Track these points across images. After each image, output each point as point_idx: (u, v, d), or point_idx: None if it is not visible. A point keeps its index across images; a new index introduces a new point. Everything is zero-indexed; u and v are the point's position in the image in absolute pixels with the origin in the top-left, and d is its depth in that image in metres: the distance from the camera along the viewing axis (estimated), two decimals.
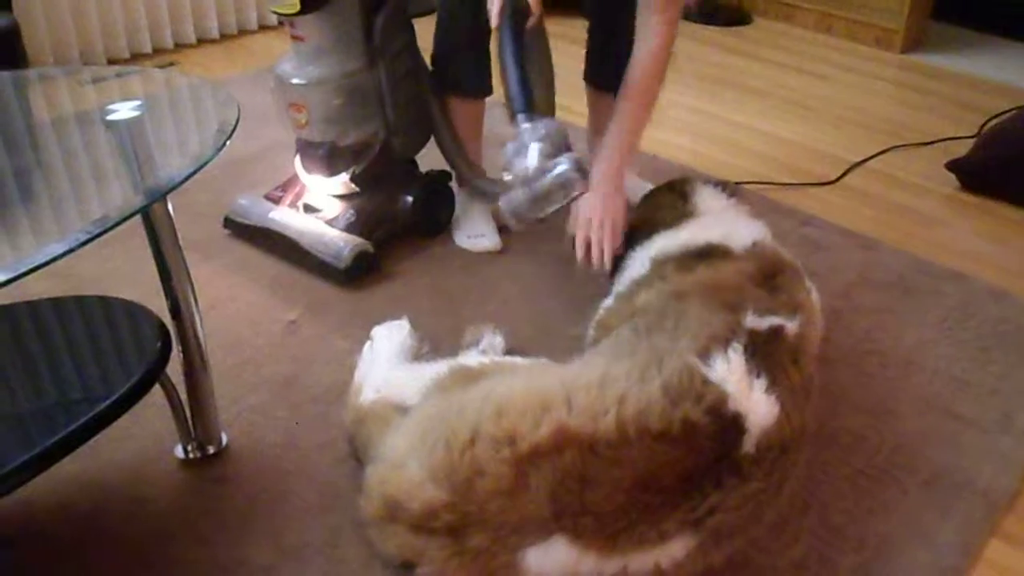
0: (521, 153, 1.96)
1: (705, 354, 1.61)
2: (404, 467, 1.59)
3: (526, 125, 1.99)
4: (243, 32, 4.47)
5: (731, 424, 1.54)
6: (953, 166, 3.29)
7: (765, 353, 1.64)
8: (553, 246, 2.67)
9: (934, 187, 3.24)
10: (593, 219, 2.23)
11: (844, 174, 3.27)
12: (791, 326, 1.73)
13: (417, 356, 2.13)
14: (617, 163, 2.28)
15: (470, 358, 1.92)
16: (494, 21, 2.20)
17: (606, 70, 2.61)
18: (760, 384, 1.58)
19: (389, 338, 2.14)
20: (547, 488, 1.47)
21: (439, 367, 1.86)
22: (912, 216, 3.03)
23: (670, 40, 2.28)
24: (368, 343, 2.15)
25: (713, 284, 1.84)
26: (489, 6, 2.23)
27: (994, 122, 3.68)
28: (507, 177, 1.98)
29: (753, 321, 1.70)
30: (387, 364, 2.05)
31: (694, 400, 1.54)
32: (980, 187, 3.23)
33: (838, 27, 4.74)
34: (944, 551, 1.81)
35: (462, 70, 2.60)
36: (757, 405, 1.56)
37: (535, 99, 2.20)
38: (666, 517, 1.50)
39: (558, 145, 1.97)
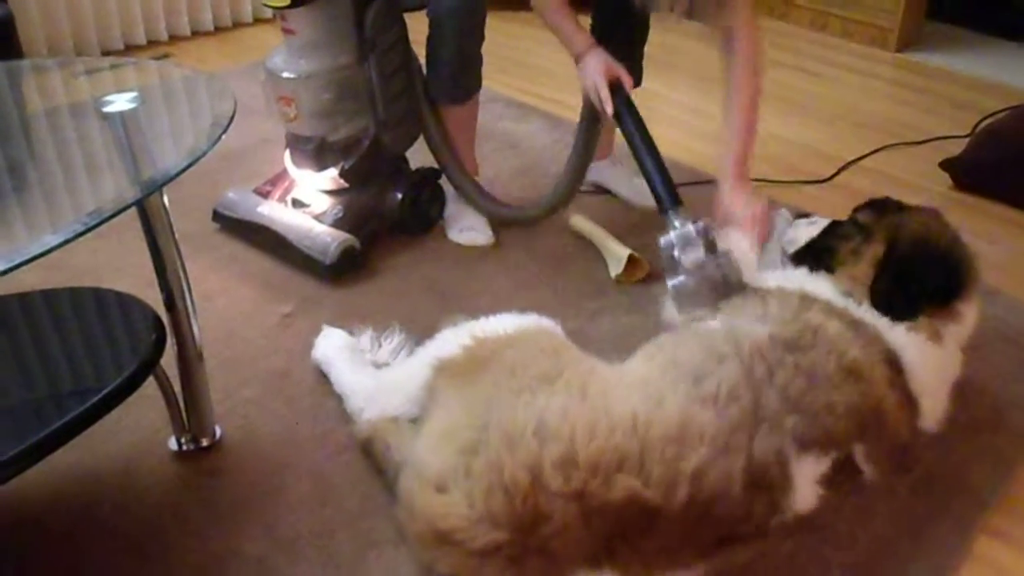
0: (691, 246, 2.08)
1: (809, 448, 1.68)
2: (448, 493, 1.56)
3: (695, 225, 2.11)
4: (238, 25, 4.48)
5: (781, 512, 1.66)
6: (947, 165, 3.30)
7: None
8: (544, 240, 2.68)
9: (927, 186, 3.25)
10: (755, 212, 2.25)
11: (838, 172, 3.30)
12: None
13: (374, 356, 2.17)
14: (741, 168, 2.33)
15: (444, 347, 1.90)
16: (609, 109, 2.33)
17: None
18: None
19: (335, 350, 2.16)
20: (607, 530, 1.52)
21: (415, 370, 1.90)
22: None
23: (757, 37, 2.36)
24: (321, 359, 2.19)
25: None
26: (593, 93, 2.37)
27: (988, 122, 3.69)
28: (676, 278, 2.09)
29: None
30: (353, 378, 2.06)
31: (768, 491, 1.62)
32: (973, 186, 3.25)
33: (833, 25, 4.76)
34: (936, 548, 1.83)
35: (470, 77, 2.65)
36: (805, 498, 1.70)
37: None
38: (699, 560, 1.62)
39: (713, 239, 2.10)
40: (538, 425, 1.56)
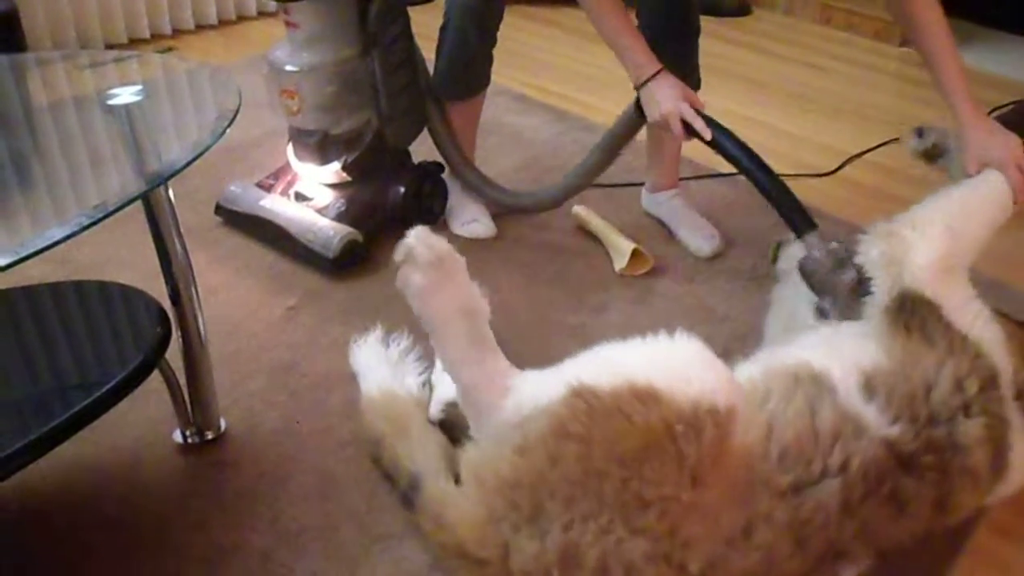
0: (843, 268, 1.99)
1: None
2: (490, 528, 1.51)
3: (839, 244, 2.04)
4: (242, 18, 4.48)
5: None
6: None
7: None
8: (548, 234, 2.68)
9: (932, 180, 3.23)
10: (1016, 153, 2.06)
11: (842, 166, 3.31)
12: None
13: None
14: (976, 105, 2.18)
15: (591, 369, 1.59)
16: (708, 135, 2.22)
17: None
18: None
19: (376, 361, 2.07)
20: None
21: (550, 380, 1.61)
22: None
23: None
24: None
25: None
26: (675, 120, 2.24)
27: (994, 115, 3.68)
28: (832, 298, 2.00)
29: None
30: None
31: None
32: None
33: (838, 19, 4.76)
34: (935, 542, 1.81)
35: (476, 77, 2.68)
36: None
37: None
38: None
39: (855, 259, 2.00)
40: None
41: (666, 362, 1.57)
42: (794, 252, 2.25)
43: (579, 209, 2.79)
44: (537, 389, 1.59)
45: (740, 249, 2.74)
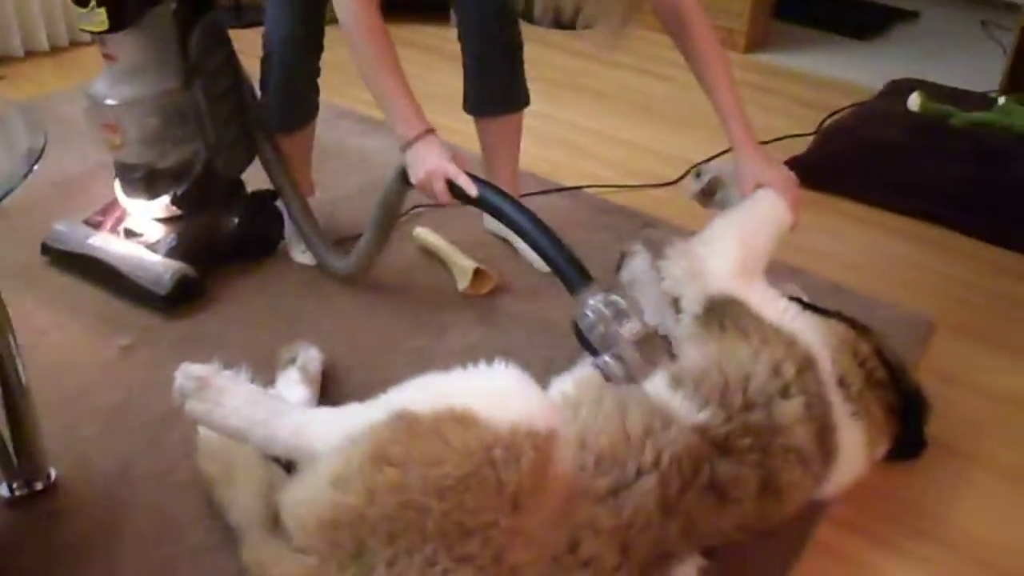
0: (625, 318, 1.89)
1: None
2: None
3: (617, 294, 1.95)
4: (75, 44, 4.38)
5: None
6: (792, 163, 3.43)
7: None
8: (391, 256, 2.72)
9: None
10: (788, 179, 2.24)
11: (685, 174, 3.39)
12: None
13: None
14: (750, 131, 2.30)
15: (416, 398, 1.64)
16: (473, 191, 2.14)
17: (491, 93, 2.75)
18: None
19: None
20: None
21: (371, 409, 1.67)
22: None
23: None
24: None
25: None
26: (439, 181, 2.16)
27: (832, 119, 3.88)
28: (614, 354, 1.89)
29: None
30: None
31: None
32: (817, 182, 3.38)
33: None
34: (778, 537, 1.90)
35: (302, 108, 2.69)
36: None
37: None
38: None
39: (637, 304, 2.02)
40: None
41: (485, 389, 1.63)
42: (639, 262, 2.34)
43: (420, 230, 2.84)
44: (351, 418, 1.67)
45: (584, 263, 2.81)
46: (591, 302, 1.92)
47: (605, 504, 1.59)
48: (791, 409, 1.79)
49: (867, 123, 3.71)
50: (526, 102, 2.80)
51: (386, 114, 2.25)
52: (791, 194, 2.21)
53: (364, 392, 2.20)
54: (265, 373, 2.15)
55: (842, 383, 1.91)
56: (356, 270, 2.61)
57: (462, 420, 1.54)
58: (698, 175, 2.46)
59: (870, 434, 1.94)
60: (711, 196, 2.42)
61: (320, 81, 2.69)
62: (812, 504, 1.94)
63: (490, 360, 2.28)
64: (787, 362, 1.85)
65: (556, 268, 2.06)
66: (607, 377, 1.85)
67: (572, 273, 2.02)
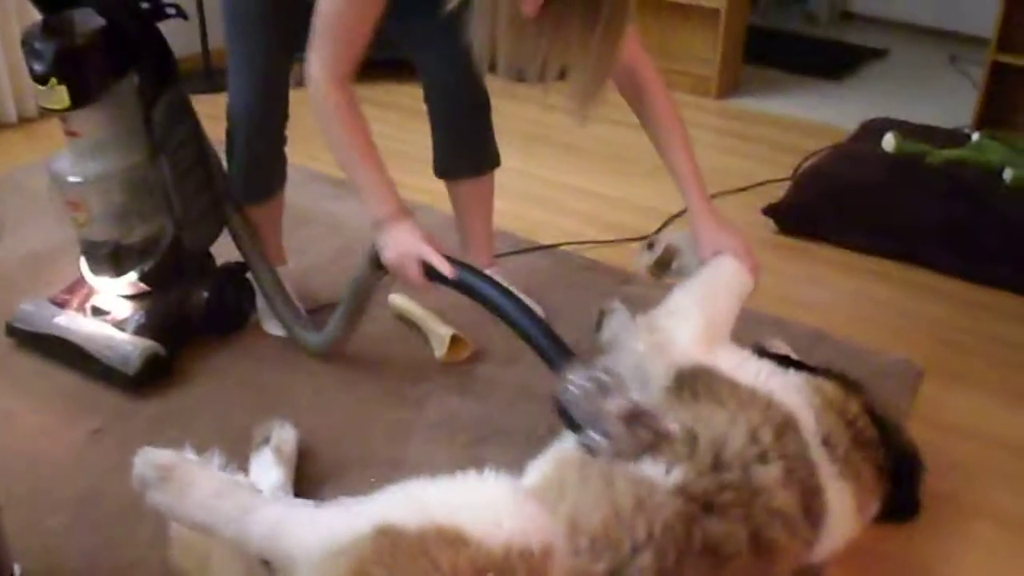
0: (610, 393, 1.83)
1: None
2: None
3: (601, 370, 1.89)
4: (46, 115, 4.34)
5: None
6: (769, 211, 3.46)
7: None
8: (366, 325, 2.67)
9: (752, 232, 3.35)
10: (746, 244, 2.23)
11: (663, 227, 3.38)
12: None
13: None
14: (707, 197, 2.31)
15: (397, 510, 1.56)
16: (450, 273, 2.10)
17: (460, 156, 2.72)
18: None
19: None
20: None
21: (353, 520, 1.55)
22: None
23: (653, 64, 2.32)
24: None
25: None
26: (413, 263, 2.13)
27: (808, 163, 3.88)
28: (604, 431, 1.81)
29: None
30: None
31: None
32: (795, 229, 3.41)
33: None
34: None
35: (268, 179, 2.65)
36: None
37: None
38: None
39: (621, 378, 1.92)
40: None
41: (475, 504, 1.55)
42: (619, 321, 2.30)
43: (395, 297, 2.80)
44: (331, 526, 1.56)
45: (563, 324, 2.74)
46: (573, 378, 1.87)
47: None
48: (771, 473, 1.75)
49: (842, 166, 3.70)
50: (496, 163, 2.77)
51: (359, 192, 2.22)
52: (750, 259, 2.20)
53: (341, 470, 2.23)
54: (239, 452, 2.11)
55: (827, 443, 1.86)
56: (329, 348, 2.57)
57: (452, 540, 1.45)
58: (650, 246, 2.43)
59: (859, 496, 1.89)
60: (666, 267, 2.40)
61: (289, 146, 2.66)
62: (806, 570, 1.88)
63: (471, 437, 2.34)
64: (764, 426, 1.80)
65: (537, 349, 2.02)
66: (592, 454, 1.79)
67: (553, 352, 1.98)
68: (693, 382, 1.92)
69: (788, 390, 1.92)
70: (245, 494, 1.73)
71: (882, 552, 2.05)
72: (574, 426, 1.85)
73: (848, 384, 2.03)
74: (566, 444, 1.85)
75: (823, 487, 1.81)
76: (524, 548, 1.46)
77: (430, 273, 2.12)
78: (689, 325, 2.04)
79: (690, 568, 1.60)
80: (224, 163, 2.62)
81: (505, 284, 2.18)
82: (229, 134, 2.55)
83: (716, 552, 1.64)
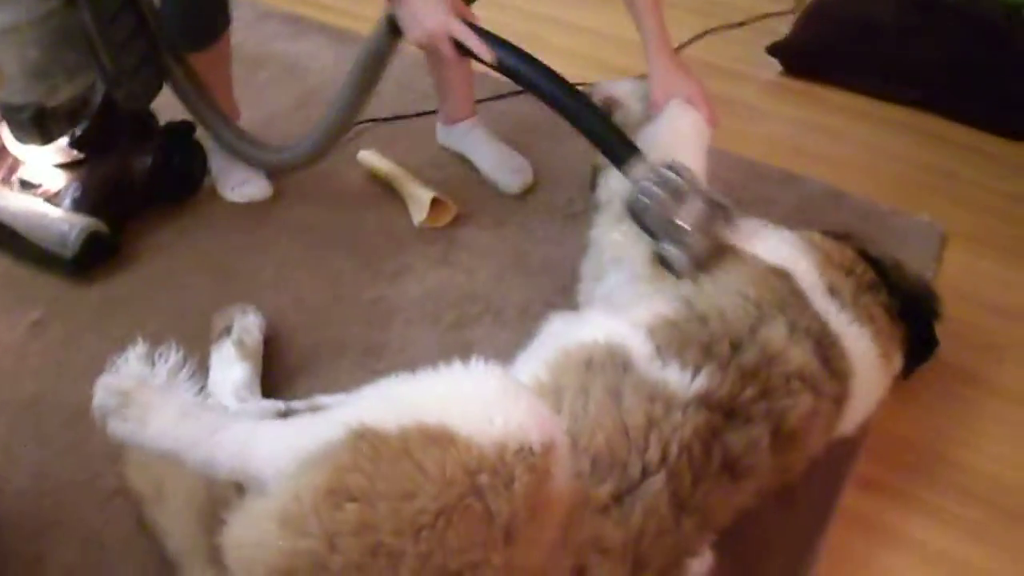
0: (683, 198, 1.80)
1: None
2: None
3: (671, 169, 1.83)
4: None
5: None
6: (775, 49, 3.27)
7: None
8: (334, 187, 2.49)
9: (755, 73, 3.24)
10: (699, 89, 2.10)
11: None
12: None
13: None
14: (665, 38, 2.16)
15: (375, 412, 1.41)
16: (489, 57, 1.98)
17: None
18: None
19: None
20: None
21: (326, 426, 1.41)
22: (734, 109, 2.97)
23: None
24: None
25: None
26: (443, 41, 1.99)
27: None
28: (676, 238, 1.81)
29: None
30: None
31: None
32: (805, 71, 3.24)
33: None
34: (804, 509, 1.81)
35: (211, 17, 2.39)
36: None
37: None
38: None
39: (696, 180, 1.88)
40: None
41: (463, 397, 1.38)
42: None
43: (365, 154, 2.58)
44: (303, 436, 1.41)
45: (553, 180, 2.60)
46: (644, 184, 1.82)
47: (609, 515, 1.42)
48: (775, 332, 1.66)
49: (854, 0, 3.44)
50: None
51: None
52: (707, 108, 2.10)
53: (314, 360, 2.09)
54: (199, 341, 1.95)
55: (832, 292, 1.79)
56: (319, 149, 2.36)
57: (437, 439, 1.29)
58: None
59: (879, 341, 1.80)
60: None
61: None
62: (841, 441, 1.81)
63: (457, 316, 2.20)
64: (751, 286, 1.74)
65: (598, 141, 1.96)
66: (670, 268, 1.80)
67: (619, 144, 1.93)
68: None
69: (775, 245, 1.86)
70: (211, 415, 1.59)
71: (899, 434, 2.03)
72: (650, 232, 1.83)
73: (837, 235, 1.96)
74: (560, 332, 1.73)
75: (839, 334, 1.74)
76: (522, 445, 1.30)
77: (464, 51, 1.99)
78: None
79: (708, 490, 1.52)
80: (158, 4, 2.33)
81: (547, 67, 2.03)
82: None
83: (736, 467, 1.55)
